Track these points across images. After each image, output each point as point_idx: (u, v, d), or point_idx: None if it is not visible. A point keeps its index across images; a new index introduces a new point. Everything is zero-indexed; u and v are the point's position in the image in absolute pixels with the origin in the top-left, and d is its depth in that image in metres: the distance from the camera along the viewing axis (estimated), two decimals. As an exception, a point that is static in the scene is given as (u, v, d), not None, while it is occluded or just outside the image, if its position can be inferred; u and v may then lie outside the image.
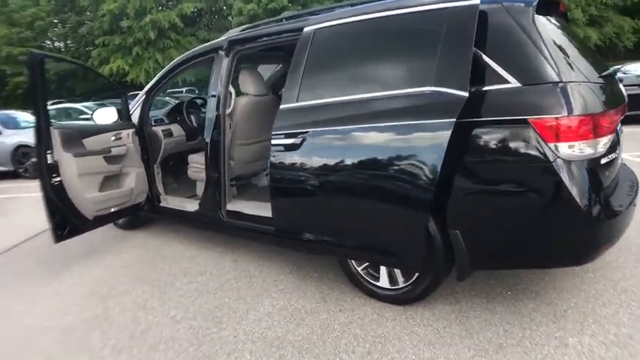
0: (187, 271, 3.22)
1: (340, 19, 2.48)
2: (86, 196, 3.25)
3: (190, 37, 24.76)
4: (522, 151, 1.99)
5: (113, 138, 3.52)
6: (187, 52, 3.60)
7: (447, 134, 1.96)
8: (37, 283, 3.24)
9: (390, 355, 2.12)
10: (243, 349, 2.25)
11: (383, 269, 2.56)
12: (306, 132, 2.42)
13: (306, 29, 2.58)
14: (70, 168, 3.14)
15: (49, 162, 3.04)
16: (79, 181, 3.18)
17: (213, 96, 3.18)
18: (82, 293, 2.99)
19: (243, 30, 3.25)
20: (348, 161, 2.29)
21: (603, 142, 2.04)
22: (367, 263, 2.61)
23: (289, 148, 2.48)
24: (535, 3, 2.07)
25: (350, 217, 2.36)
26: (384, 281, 2.56)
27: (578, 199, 1.93)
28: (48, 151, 3.04)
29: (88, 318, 2.67)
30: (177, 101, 5.84)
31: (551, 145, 1.94)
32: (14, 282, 3.29)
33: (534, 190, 2.02)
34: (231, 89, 3.30)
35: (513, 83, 1.99)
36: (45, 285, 3.18)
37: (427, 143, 2.04)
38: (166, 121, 4.28)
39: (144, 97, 3.83)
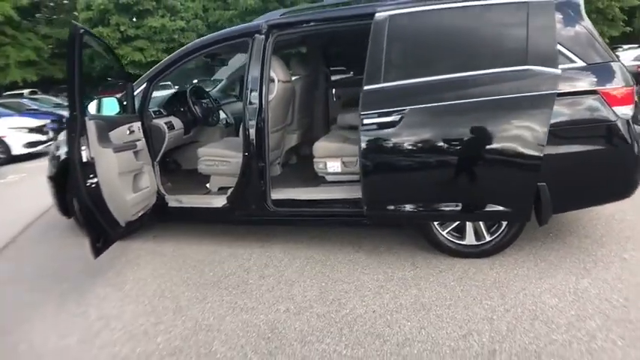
0: (244, 267, 3.05)
1: (422, 6, 2.68)
2: (126, 198, 2.83)
3: (29, 33, 21.32)
4: (594, 114, 2.50)
5: (128, 132, 3.10)
6: (211, 35, 3.35)
7: (550, 104, 2.37)
8: (84, 303, 2.70)
9: (515, 291, 2.45)
10: (392, 320, 2.32)
11: (469, 228, 2.87)
12: (404, 109, 2.57)
13: (378, 15, 2.71)
14: (111, 166, 2.70)
15: (84, 160, 2.57)
16: (120, 181, 2.76)
17: (254, 82, 3.06)
18: (151, 310, 2.62)
19: (283, 14, 3.18)
20: (458, 132, 2.53)
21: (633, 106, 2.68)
22: (452, 226, 2.89)
23: (385, 125, 2.60)
24: None
25: (463, 183, 2.60)
26: (470, 239, 2.88)
27: (632, 145, 2.54)
28: (83, 147, 2.57)
29: (197, 332, 2.39)
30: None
31: (615, 108, 2.49)
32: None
33: (602, 142, 2.58)
34: (273, 75, 3.21)
35: (579, 63, 2.51)
36: (93, 307, 2.68)
37: (535, 111, 2.42)
38: (164, 113, 3.85)
39: (145, 85, 3.41)
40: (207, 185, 3.77)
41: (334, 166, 3.35)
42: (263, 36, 3.06)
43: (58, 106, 13.48)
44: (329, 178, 3.44)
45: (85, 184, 2.57)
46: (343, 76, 5.90)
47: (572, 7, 2.59)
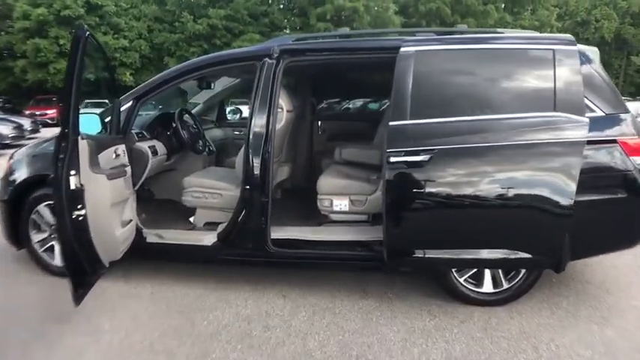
0: (242, 316, 2.71)
1: (448, 44, 2.64)
2: (116, 233, 2.41)
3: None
4: (614, 162, 2.54)
5: (114, 155, 2.70)
6: (215, 54, 3.07)
7: (581, 151, 2.37)
8: None
9: (545, 342, 2.36)
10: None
11: (487, 275, 2.75)
12: (434, 149, 2.45)
13: (404, 49, 2.61)
14: (104, 195, 2.29)
15: (72, 187, 2.16)
16: (112, 213, 2.34)
17: (262, 109, 2.82)
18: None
19: (296, 40, 2.99)
20: (489, 175, 2.44)
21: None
22: (470, 272, 2.76)
23: (413, 165, 2.46)
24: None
25: (491, 228, 2.49)
26: (487, 286, 2.76)
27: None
28: (72, 172, 2.16)
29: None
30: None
31: (632, 157, 2.54)
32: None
33: (621, 190, 2.59)
34: (282, 103, 2.98)
35: (598, 112, 2.55)
36: None
37: (566, 159, 2.40)
38: (147, 136, 3.43)
39: (130, 103, 3.02)
40: (191, 219, 3.38)
41: (341, 204, 3.14)
42: (274, 61, 2.85)
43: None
44: (334, 216, 3.21)
45: (71, 217, 2.14)
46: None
47: (590, 56, 2.65)
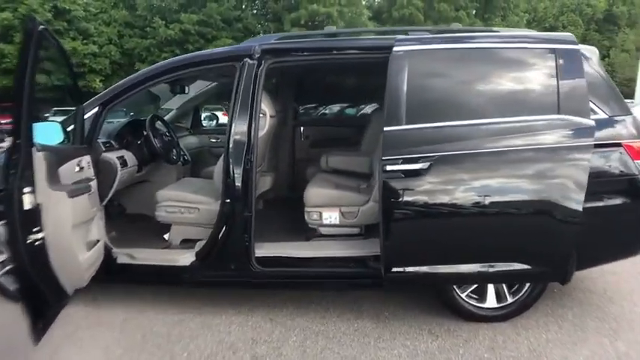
0: (226, 344, 2.44)
1: (444, 44, 2.45)
2: (79, 258, 2.11)
3: None
4: (619, 167, 2.41)
5: (77, 168, 2.40)
6: (190, 55, 2.81)
7: (588, 155, 2.22)
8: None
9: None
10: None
11: (490, 290, 2.57)
12: (433, 156, 2.26)
13: (397, 49, 2.42)
14: (64, 216, 1.99)
15: (26, 207, 1.86)
16: (74, 235, 2.05)
17: (243, 114, 2.58)
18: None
19: (279, 39, 2.75)
20: (494, 183, 2.26)
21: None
22: (472, 287, 2.58)
23: (412, 174, 2.26)
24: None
25: (497, 240, 2.32)
26: (491, 301, 2.58)
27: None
28: (26, 189, 1.86)
29: None
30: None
31: (637, 162, 2.41)
32: None
33: (627, 196, 2.47)
34: (265, 107, 2.74)
35: (601, 114, 2.41)
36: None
37: (573, 164, 2.23)
38: (116, 145, 3.12)
39: (96, 109, 2.71)
40: (166, 236, 3.09)
41: (331, 217, 2.91)
42: (255, 61, 2.60)
43: None
44: (324, 230, 2.98)
45: (26, 242, 1.85)
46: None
47: (589, 55, 2.50)
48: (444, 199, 2.26)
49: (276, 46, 2.67)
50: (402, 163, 2.27)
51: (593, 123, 2.26)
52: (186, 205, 3.00)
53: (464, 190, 2.26)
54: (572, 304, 2.82)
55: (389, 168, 2.27)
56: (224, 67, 2.73)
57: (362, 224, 2.93)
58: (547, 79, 2.35)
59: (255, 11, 28.29)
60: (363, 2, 28.77)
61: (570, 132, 2.26)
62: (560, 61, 2.35)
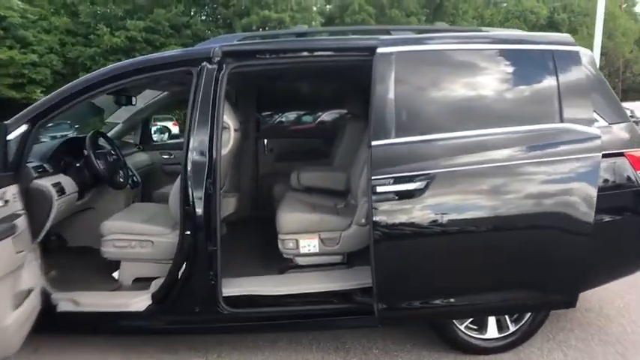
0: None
1: (435, 44, 2.17)
2: (5, 322, 1.64)
3: None
4: (622, 178, 2.22)
5: (0, 203, 1.91)
6: (135, 60, 2.37)
7: (596, 167, 2.01)
8: None
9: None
10: None
11: (491, 319, 2.31)
12: (429, 173, 1.96)
13: (382, 50, 2.11)
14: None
15: None
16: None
17: (202, 128, 2.18)
18: None
19: (242, 40, 2.37)
20: (498, 202, 1.99)
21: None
22: (471, 319, 2.30)
23: (407, 194, 1.96)
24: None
25: (510, 266, 2.06)
26: (492, 332, 2.31)
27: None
28: None
29: None
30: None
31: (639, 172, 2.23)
32: None
33: (631, 209, 2.28)
34: (228, 120, 2.36)
35: (601, 122, 2.21)
36: None
37: (581, 177, 2.02)
38: (50, 170, 2.59)
39: (24, 127, 2.20)
40: (115, 275, 2.62)
41: (310, 244, 2.54)
42: (215, 66, 2.21)
43: None
44: (301, 260, 2.60)
45: None
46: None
47: (590, 62, 2.30)
48: (445, 221, 1.97)
49: (239, 48, 2.29)
50: (395, 183, 1.96)
51: (598, 132, 2.05)
52: (137, 238, 2.56)
53: (465, 211, 1.99)
54: (572, 325, 2.62)
55: (380, 189, 1.95)
56: (177, 74, 2.33)
57: (344, 251, 2.59)
58: (547, 84, 2.13)
59: (204, 17, 27.47)
60: (315, 8, 28.61)
61: (576, 143, 2.04)
62: (560, 64, 2.14)
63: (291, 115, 5.25)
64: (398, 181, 1.96)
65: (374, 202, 1.95)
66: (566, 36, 2.24)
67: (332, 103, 4.55)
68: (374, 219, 1.96)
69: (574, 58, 2.15)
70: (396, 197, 1.96)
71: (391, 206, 1.96)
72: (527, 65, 2.17)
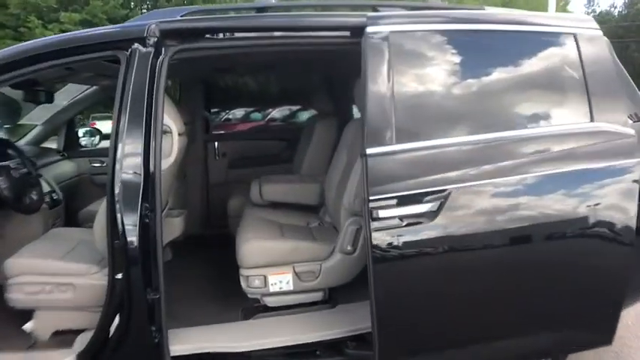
0: None
1: (438, 23, 1.72)
2: None
3: None
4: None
5: None
6: (37, 42, 1.74)
7: (636, 174, 1.64)
8: None
9: None
10: None
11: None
12: (444, 190, 1.50)
13: (373, 29, 1.62)
14: None
15: None
16: None
17: (134, 134, 1.60)
18: None
19: (188, 15, 1.79)
20: (532, 223, 1.58)
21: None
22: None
23: (415, 220, 1.49)
24: None
25: (541, 301, 1.64)
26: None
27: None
28: None
29: None
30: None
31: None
32: None
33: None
34: (170, 122, 1.78)
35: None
36: None
37: (620, 187, 1.65)
38: None
39: None
40: (28, 328, 1.95)
41: (282, 281, 1.99)
42: (151, 49, 1.63)
43: None
44: (270, 301, 2.04)
45: None
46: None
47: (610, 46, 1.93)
48: (465, 252, 1.55)
49: (183, 26, 1.71)
50: (399, 204, 1.49)
51: (633, 132, 1.69)
52: (54, 280, 1.91)
53: (493, 236, 1.55)
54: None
55: (382, 214, 1.46)
56: (98, 60, 1.72)
57: (326, 287, 2.06)
58: (572, 74, 1.73)
59: (145, 10, 26.04)
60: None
61: (612, 145, 1.66)
62: (584, 50, 1.75)
63: (239, 113, 4.68)
64: (403, 201, 1.49)
65: (374, 231, 1.46)
66: (586, 16, 1.87)
67: (300, 97, 4.02)
68: (373, 252, 1.47)
69: (600, 43, 1.78)
70: (402, 223, 1.48)
71: (396, 235, 1.48)
72: (548, 51, 1.76)
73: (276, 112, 4.50)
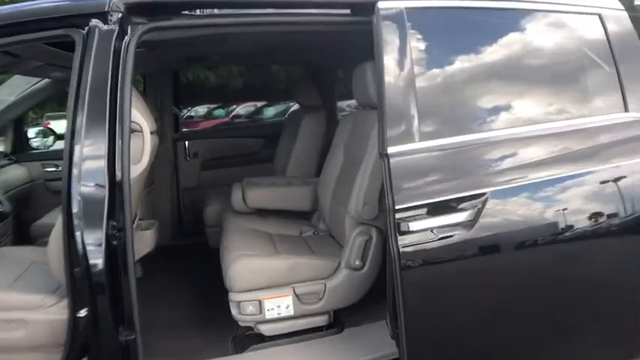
0: None
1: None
2: None
3: None
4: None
5: None
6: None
7: None
8: None
9: None
10: None
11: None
12: (482, 194, 1.26)
13: (384, 5, 1.36)
14: None
15: None
16: None
17: (95, 136, 1.27)
18: None
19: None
20: (580, 227, 1.37)
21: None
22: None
23: (448, 232, 1.24)
24: None
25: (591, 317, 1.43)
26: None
27: None
28: None
29: None
30: None
31: None
32: None
33: None
34: (140, 120, 1.45)
35: None
36: None
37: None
38: None
39: None
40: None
41: (281, 305, 1.67)
42: (114, 27, 1.29)
43: None
44: (266, 329, 1.72)
45: None
46: None
47: None
48: (511, 266, 1.33)
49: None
50: (429, 214, 1.24)
51: None
52: (1, 317, 1.54)
53: (543, 244, 1.33)
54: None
55: (412, 226, 1.20)
56: (46, 42, 1.37)
57: (331, 309, 1.77)
58: (601, 60, 1.55)
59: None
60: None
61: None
62: (612, 33, 1.57)
63: (201, 110, 4.33)
64: (434, 210, 1.24)
65: (402, 247, 1.20)
66: None
67: (283, 89, 3.70)
68: (402, 274, 1.21)
69: (625, 24, 1.60)
70: (435, 236, 1.23)
71: (429, 251, 1.23)
72: (576, 33, 1.56)
73: (250, 107, 4.20)
